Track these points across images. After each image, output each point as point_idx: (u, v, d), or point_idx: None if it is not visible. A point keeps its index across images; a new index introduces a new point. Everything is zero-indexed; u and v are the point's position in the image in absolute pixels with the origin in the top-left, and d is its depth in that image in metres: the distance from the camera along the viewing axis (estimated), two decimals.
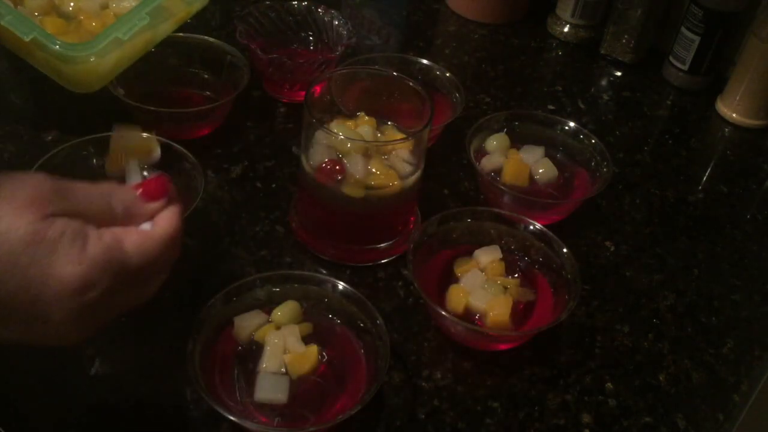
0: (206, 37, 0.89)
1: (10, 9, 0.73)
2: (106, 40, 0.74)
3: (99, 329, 0.51)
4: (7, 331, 0.47)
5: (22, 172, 0.49)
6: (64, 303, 0.47)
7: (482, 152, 0.84)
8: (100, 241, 0.48)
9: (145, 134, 0.74)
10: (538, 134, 0.86)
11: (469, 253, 0.73)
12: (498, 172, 0.82)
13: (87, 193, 0.50)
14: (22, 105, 0.90)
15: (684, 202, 0.89)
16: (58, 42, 0.73)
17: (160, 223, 0.52)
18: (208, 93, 0.88)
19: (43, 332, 0.48)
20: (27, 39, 0.72)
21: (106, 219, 0.50)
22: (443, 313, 0.66)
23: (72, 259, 0.46)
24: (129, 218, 0.52)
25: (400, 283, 0.74)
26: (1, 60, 0.93)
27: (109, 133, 0.74)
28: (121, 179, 0.63)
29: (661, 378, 0.70)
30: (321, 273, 0.71)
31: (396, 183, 0.72)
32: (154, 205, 0.53)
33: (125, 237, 0.50)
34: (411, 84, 0.75)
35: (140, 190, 0.53)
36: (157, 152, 0.73)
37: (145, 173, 0.68)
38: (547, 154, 0.84)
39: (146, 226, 0.53)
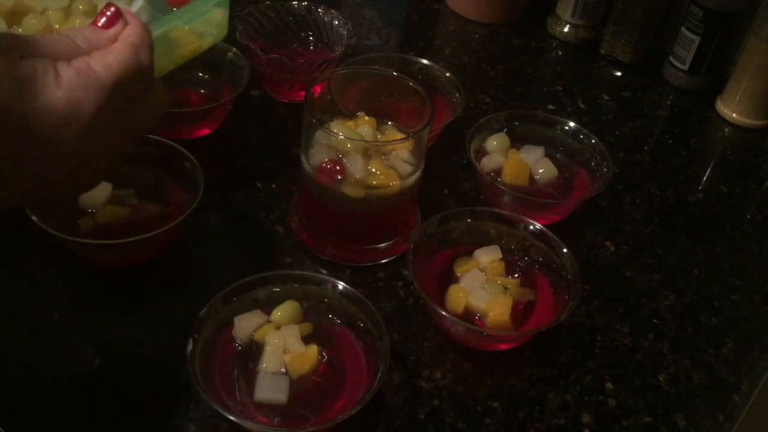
0: None
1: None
2: None
3: (114, 160, 0.54)
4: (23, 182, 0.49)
5: None
6: (62, 132, 0.48)
7: (482, 152, 0.84)
8: (70, 66, 0.49)
9: None
10: (538, 134, 0.86)
11: (469, 253, 0.73)
12: (498, 172, 0.82)
13: (49, 39, 0.51)
14: None
15: (684, 202, 0.89)
16: None
17: (121, 37, 0.53)
18: (208, 93, 0.88)
19: (58, 173, 0.50)
20: None
21: (71, 55, 0.51)
22: (443, 313, 0.66)
23: (49, 87, 0.48)
24: (92, 48, 0.52)
25: (400, 283, 0.74)
26: None
27: None
28: None
29: (661, 378, 0.70)
30: (321, 273, 0.71)
31: (396, 183, 0.72)
32: (113, 30, 0.54)
33: (90, 59, 0.51)
34: (411, 84, 0.75)
35: (98, 22, 0.54)
36: None
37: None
38: (547, 154, 0.84)
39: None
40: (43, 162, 0.49)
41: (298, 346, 0.63)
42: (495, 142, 0.84)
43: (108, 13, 0.54)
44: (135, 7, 0.61)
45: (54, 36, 0.52)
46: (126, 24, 0.54)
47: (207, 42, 0.75)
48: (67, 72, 0.49)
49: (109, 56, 0.51)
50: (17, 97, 0.47)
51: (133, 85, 0.53)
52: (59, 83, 0.48)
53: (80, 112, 0.49)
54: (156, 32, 0.68)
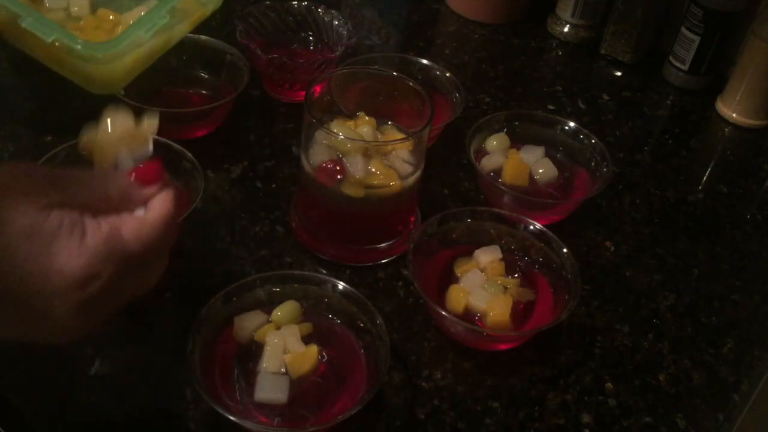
0: (206, 37, 0.89)
1: (30, 11, 0.73)
2: (128, 38, 0.75)
3: (101, 323, 0.50)
4: (7, 328, 0.46)
5: (14, 161, 0.48)
6: (66, 297, 0.46)
7: (482, 152, 0.84)
8: (99, 231, 0.47)
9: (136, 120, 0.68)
10: (538, 134, 0.86)
11: (469, 253, 0.73)
12: (498, 172, 0.82)
13: (82, 181, 0.49)
14: (22, 106, 0.90)
15: (684, 202, 0.89)
16: (80, 41, 0.73)
17: (155, 207, 0.51)
18: (208, 93, 0.88)
19: (44, 328, 0.47)
20: (49, 40, 0.72)
21: (102, 206, 0.49)
22: (443, 313, 0.66)
23: (72, 252, 0.46)
24: (124, 204, 0.51)
25: (400, 283, 0.74)
26: (2, 61, 0.93)
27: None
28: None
29: (661, 378, 0.70)
30: (321, 273, 0.71)
31: (396, 183, 0.72)
32: (148, 191, 0.52)
33: (122, 225, 0.49)
34: (411, 84, 0.75)
35: (134, 176, 0.52)
36: (149, 147, 0.67)
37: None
38: (547, 154, 0.84)
39: (140, 212, 0.51)
40: (34, 321, 0.46)
41: (298, 346, 0.63)
42: (495, 142, 0.84)
43: (149, 169, 0.52)
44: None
45: (87, 180, 0.49)
46: (160, 188, 0.52)
47: (209, 9, 0.85)
48: (95, 238, 0.47)
49: (144, 229, 0.49)
50: (33, 256, 0.44)
51: (152, 258, 0.51)
52: (82, 251, 0.46)
53: (90, 285, 0.46)
54: (172, 3, 0.76)
